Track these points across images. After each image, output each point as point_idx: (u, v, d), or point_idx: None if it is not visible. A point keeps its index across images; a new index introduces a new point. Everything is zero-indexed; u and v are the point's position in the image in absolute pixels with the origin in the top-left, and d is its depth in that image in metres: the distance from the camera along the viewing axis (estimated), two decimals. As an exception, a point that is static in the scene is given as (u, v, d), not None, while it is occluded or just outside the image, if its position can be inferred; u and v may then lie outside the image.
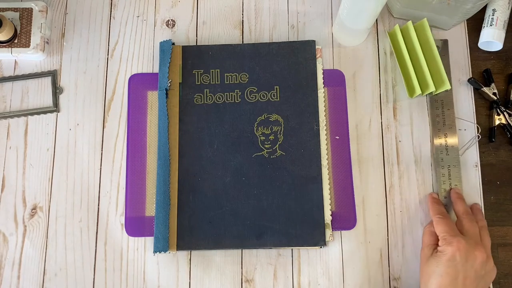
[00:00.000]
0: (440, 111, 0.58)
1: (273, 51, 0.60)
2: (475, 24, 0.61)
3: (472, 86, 0.60)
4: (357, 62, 0.60)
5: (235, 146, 0.57)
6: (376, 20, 0.61)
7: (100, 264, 0.55)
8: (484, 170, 0.58)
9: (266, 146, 0.57)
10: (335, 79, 0.60)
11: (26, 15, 0.59)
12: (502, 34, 0.59)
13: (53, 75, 0.60)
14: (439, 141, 0.58)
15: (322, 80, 0.59)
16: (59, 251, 0.55)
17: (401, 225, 0.56)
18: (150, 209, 0.56)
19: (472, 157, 0.58)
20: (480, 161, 0.58)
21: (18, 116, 0.59)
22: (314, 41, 0.60)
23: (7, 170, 0.58)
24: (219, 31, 0.62)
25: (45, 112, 0.59)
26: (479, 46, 0.61)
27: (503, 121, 0.58)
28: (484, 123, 0.59)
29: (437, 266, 0.50)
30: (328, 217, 0.55)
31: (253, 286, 0.55)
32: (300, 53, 0.60)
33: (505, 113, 0.58)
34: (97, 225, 0.56)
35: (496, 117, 0.58)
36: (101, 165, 0.58)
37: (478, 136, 0.58)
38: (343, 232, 0.56)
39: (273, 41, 0.61)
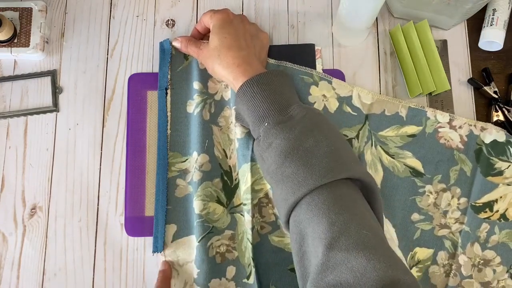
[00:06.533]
0: (440, 111, 0.58)
1: (273, 54, 0.59)
2: (475, 24, 0.61)
3: (472, 86, 0.60)
4: (357, 62, 0.60)
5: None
6: (376, 20, 0.61)
7: (100, 264, 0.55)
8: (484, 170, 0.58)
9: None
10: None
11: (25, 14, 0.59)
12: (502, 34, 0.59)
13: (53, 74, 0.60)
14: (439, 141, 0.58)
15: (322, 80, 0.59)
16: (59, 251, 0.55)
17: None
18: (150, 209, 0.56)
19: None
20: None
21: (18, 115, 0.59)
22: (313, 44, 0.60)
23: (7, 170, 0.57)
24: (219, 31, 0.61)
25: (44, 112, 0.59)
26: (479, 46, 0.61)
27: (501, 118, 0.58)
28: (484, 123, 0.59)
29: (216, 35, 0.53)
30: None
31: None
32: (300, 57, 0.59)
33: (503, 108, 0.57)
34: (97, 225, 0.56)
35: (494, 113, 0.58)
36: (100, 165, 0.58)
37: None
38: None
39: (273, 41, 0.61)
